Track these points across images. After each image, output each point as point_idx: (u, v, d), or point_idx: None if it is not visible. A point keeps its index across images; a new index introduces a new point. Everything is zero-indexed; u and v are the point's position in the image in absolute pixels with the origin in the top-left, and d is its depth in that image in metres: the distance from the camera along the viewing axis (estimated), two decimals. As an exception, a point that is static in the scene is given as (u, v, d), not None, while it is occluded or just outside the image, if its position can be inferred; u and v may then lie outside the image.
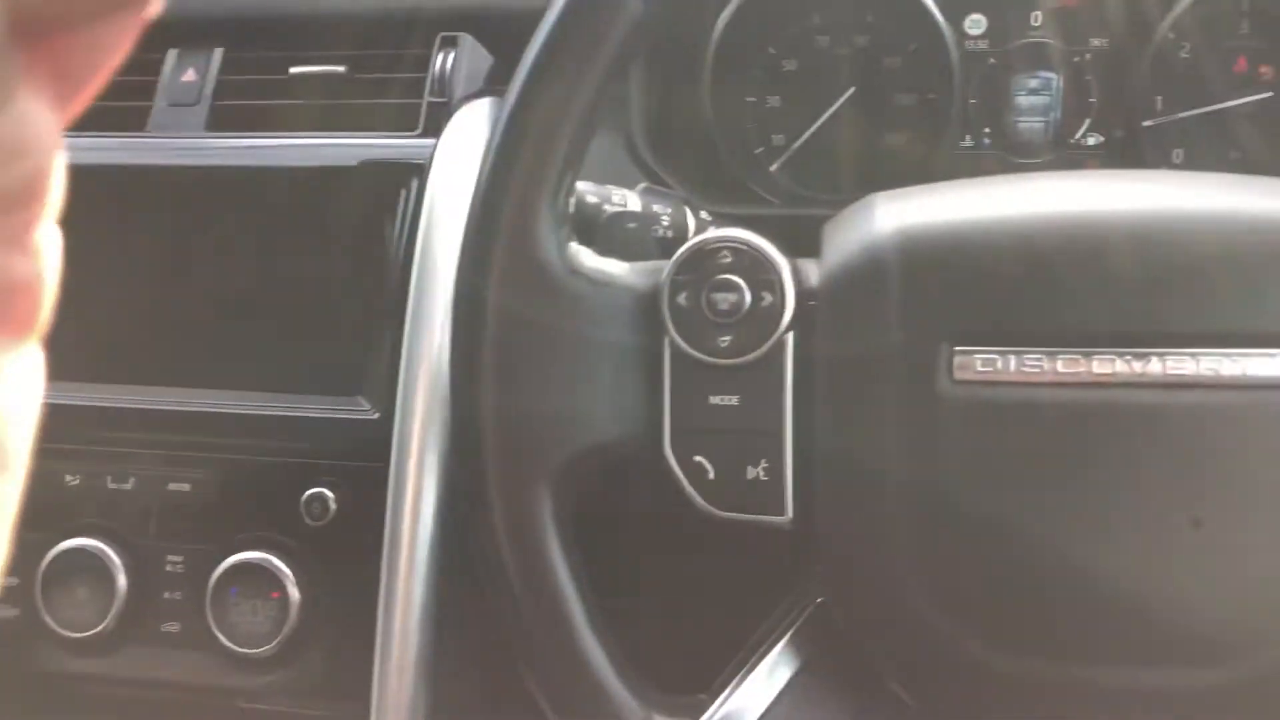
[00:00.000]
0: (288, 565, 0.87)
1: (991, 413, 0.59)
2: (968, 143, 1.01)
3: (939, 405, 0.59)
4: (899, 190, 0.67)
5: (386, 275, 0.91)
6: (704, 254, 0.62)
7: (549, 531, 0.62)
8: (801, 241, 0.72)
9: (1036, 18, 0.99)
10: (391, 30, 1.00)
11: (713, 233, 0.63)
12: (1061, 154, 1.00)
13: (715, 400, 0.62)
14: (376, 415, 0.89)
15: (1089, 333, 0.58)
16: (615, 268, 0.64)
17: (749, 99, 1.03)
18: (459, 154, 0.92)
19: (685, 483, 0.62)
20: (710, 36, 0.98)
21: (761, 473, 0.62)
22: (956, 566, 0.59)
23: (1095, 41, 0.98)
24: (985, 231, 0.60)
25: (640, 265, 0.65)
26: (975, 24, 1.00)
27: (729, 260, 0.62)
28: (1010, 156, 1.01)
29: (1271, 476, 0.56)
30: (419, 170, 0.93)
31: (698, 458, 0.62)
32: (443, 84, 0.97)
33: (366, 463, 0.88)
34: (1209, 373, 0.57)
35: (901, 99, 1.01)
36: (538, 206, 0.60)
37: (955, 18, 1.00)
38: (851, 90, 1.01)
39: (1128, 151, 0.96)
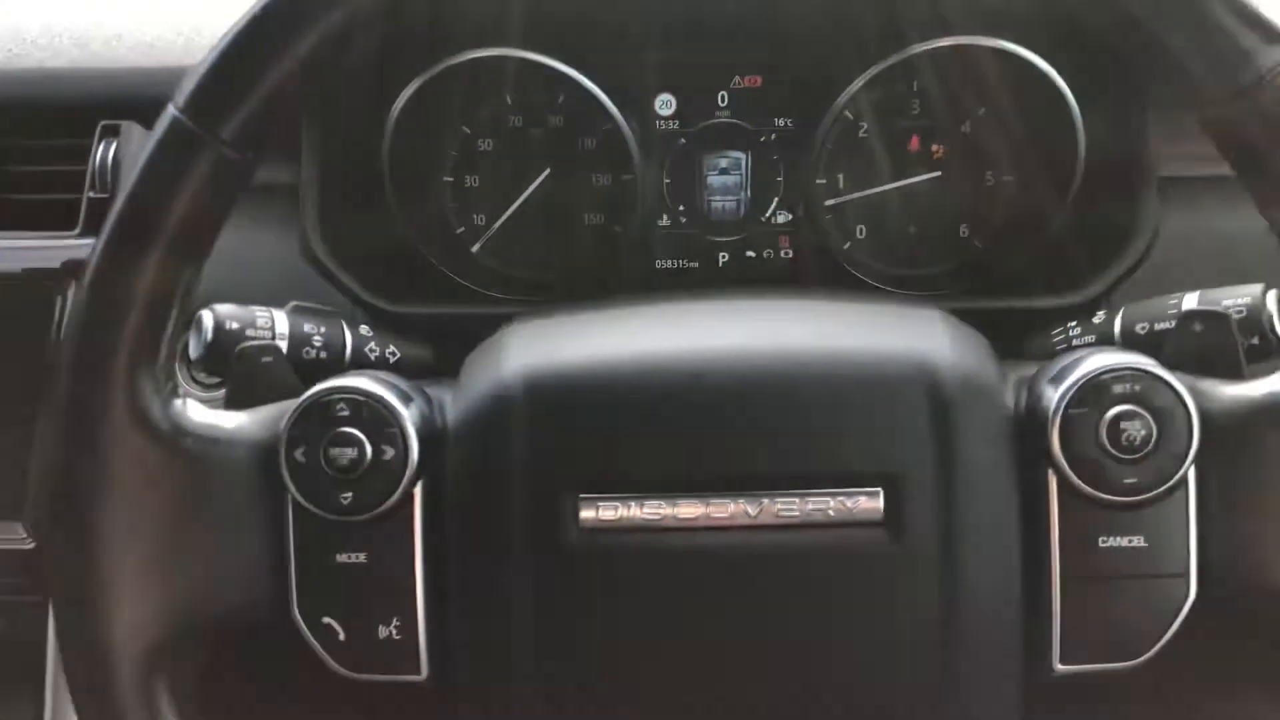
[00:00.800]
0: (-64, 717, 0.80)
1: (617, 559, 0.59)
2: (664, 222, 1.02)
3: (565, 553, 0.59)
4: (535, 322, 0.67)
5: (43, 389, 0.85)
6: (320, 407, 0.60)
7: (165, 710, 0.58)
8: (481, 338, 0.71)
9: (723, 98, 1.00)
10: (47, 119, 0.93)
11: (330, 383, 0.61)
12: (754, 231, 1.02)
13: (342, 558, 0.60)
14: (34, 544, 0.83)
15: (706, 478, 0.58)
16: (229, 421, 0.60)
17: (446, 179, 1.01)
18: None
19: (316, 645, 0.60)
20: (387, 122, 0.95)
21: (394, 631, 0.60)
22: (591, 715, 0.59)
23: (779, 122, 1.00)
24: (607, 376, 0.60)
25: (262, 414, 0.62)
26: (665, 104, 1.00)
27: (346, 413, 0.59)
28: (705, 235, 1.02)
29: (879, 610, 0.58)
30: (78, 272, 0.87)
31: (326, 619, 0.60)
32: (104, 178, 0.91)
33: (24, 597, 0.82)
34: (816, 513, 0.58)
35: (597, 179, 1.00)
36: (136, 368, 0.57)
37: (646, 98, 1.00)
38: (547, 171, 1.00)
39: (814, 228, 0.99)
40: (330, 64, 0.54)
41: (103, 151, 0.91)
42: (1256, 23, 0.50)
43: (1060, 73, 0.90)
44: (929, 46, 0.91)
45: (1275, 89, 0.50)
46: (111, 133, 0.92)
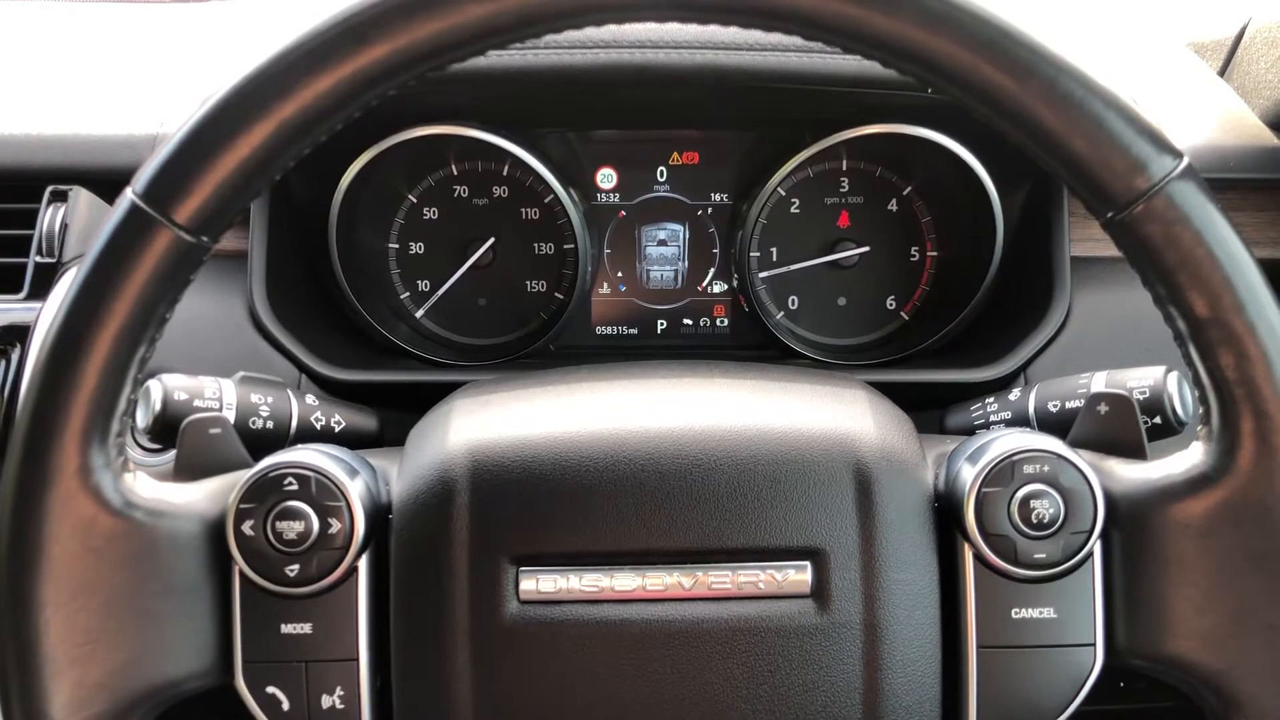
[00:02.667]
0: None
1: (558, 630, 0.61)
2: (605, 290, 1.05)
3: (506, 624, 0.61)
4: (477, 396, 0.69)
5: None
6: (268, 482, 0.61)
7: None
8: (432, 404, 0.73)
9: (662, 173, 1.04)
10: (-6, 183, 0.94)
11: (278, 457, 0.62)
12: (691, 300, 1.05)
13: (287, 629, 0.61)
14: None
15: (643, 551, 0.61)
16: (178, 495, 0.62)
17: (392, 245, 1.03)
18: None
19: (260, 714, 0.61)
20: (335, 193, 0.97)
21: (338, 700, 0.61)
22: None
23: (716, 197, 1.04)
24: (547, 453, 0.62)
25: (210, 486, 0.63)
26: (606, 178, 1.04)
27: (294, 488, 0.61)
28: (644, 303, 1.05)
29: (807, 677, 0.61)
30: (21, 336, 0.88)
31: (271, 689, 0.61)
32: (51, 242, 0.92)
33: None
34: (748, 585, 0.61)
35: (539, 248, 1.04)
36: (88, 442, 0.58)
37: (587, 171, 1.04)
38: (492, 240, 1.03)
39: (748, 298, 1.02)
40: (295, 155, 0.56)
41: (50, 216, 0.92)
42: (1150, 134, 0.55)
43: (979, 158, 0.95)
44: (856, 133, 0.96)
45: (1166, 196, 0.55)
46: (59, 198, 0.93)
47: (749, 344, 1.05)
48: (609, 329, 1.06)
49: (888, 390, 0.74)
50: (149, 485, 0.61)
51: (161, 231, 0.56)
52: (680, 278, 1.05)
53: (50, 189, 0.93)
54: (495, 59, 0.88)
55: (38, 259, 0.92)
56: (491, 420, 0.65)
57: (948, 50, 0.54)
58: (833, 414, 0.65)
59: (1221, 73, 1.11)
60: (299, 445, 0.65)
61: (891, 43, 0.54)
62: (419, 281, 1.04)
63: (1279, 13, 1.02)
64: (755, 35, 0.89)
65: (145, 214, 0.56)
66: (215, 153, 0.55)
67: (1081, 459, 0.62)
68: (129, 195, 0.56)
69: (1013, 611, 0.62)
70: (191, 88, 0.99)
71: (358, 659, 0.62)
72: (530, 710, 0.60)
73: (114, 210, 0.57)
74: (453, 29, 0.54)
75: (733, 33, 0.89)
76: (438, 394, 0.76)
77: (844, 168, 1.02)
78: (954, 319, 1.01)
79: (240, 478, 0.63)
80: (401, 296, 1.04)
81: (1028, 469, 0.61)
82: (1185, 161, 0.55)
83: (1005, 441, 0.63)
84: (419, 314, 1.04)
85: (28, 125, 0.96)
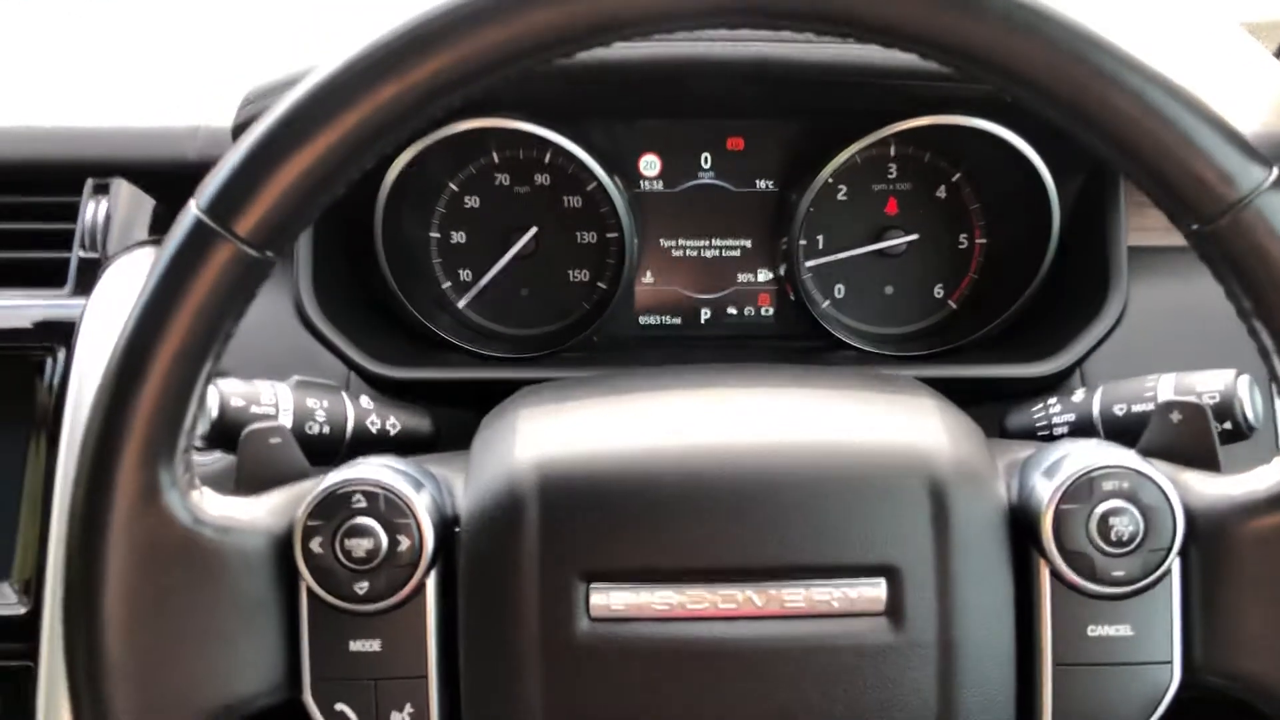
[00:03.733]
0: (-79, 788, 0.80)
1: (629, 648, 0.60)
2: (649, 279, 1.04)
3: (576, 641, 0.60)
4: (543, 405, 0.68)
5: (32, 451, 0.85)
6: (336, 499, 0.60)
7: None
8: (483, 401, 0.72)
9: (707, 160, 1.02)
10: (36, 176, 0.93)
11: (346, 473, 0.62)
12: (736, 290, 1.04)
13: (356, 646, 0.61)
14: (24, 609, 0.82)
15: (715, 568, 0.60)
16: (244, 511, 0.61)
17: (433, 235, 1.02)
18: (114, 314, 0.86)
19: None
20: (380, 189, 0.95)
21: (407, 718, 0.61)
22: None
23: (761, 184, 1.02)
24: (618, 468, 0.62)
25: (275, 500, 0.63)
26: (650, 164, 1.02)
27: (362, 505, 0.60)
28: (689, 292, 1.04)
29: (881, 696, 0.60)
30: (67, 333, 0.87)
31: (340, 706, 0.61)
32: (94, 236, 0.91)
33: (13, 662, 0.81)
34: (821, 602, 0.60)
35: (583, 236, 1.02)
36: (155, 460, 0.57)
37: (631, 159, 1.02)
38: (534, 229, 1.01)
39: (794, 287, 1.01)
40: (360, 168, 0.55)
41: (93, 209, 0.91)
42: (1240, 144, 0.53)
43: (1035, 148, 0.93)
44: (908, 125, 0.94)
45: (1256, 209, 0.53)
46: (101, 190, 0.92)
47: (794, 333, 1.04)
48: (653, 318, 1.05)
49: (940, 385, 0.73)
50: (216, 501, 0.60)
51: (225, 246, 0.55)
52: (726, 266, 1.04)
53: (92, 182, 0.92)
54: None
55: (81, 253, 0.91)
56: (559, 432, 0.64)
57: (1031, 59, 0.53)
58: (905, 426, 0.64)
59: (1279, 53, 1.08)
60: (362, 459, 0.64)
61: (974, 53, 0.53)
62: (461, 271, 1.03)
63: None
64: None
65: (209, 228, 0.55)
66: (280, 166, 0.54)
67: (1161, 474, 0.61)
68: (192, 209, 0.55)
69: (1089, 629, 0.61)
70: (230, 80, 0.97)
71: (427, 676, 0.61)
72: (603, 727, 0.60)
73: (177, 224, 0.56)
74: (520, 39, 0.53)
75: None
76: (489, 390, 0.75)
77: (892, 154, 1.00)
78: (1005, 309, 0.99)
79: (305, 491, 0.62)
80: (443, 286, 1.03)
81: (1107, 485, 0.60)
82: (1276, 173, 0.54)
83: (1081, 456, 0.62)
84: (461, 304, 1.03)
85: (66, 118, 0.95)
